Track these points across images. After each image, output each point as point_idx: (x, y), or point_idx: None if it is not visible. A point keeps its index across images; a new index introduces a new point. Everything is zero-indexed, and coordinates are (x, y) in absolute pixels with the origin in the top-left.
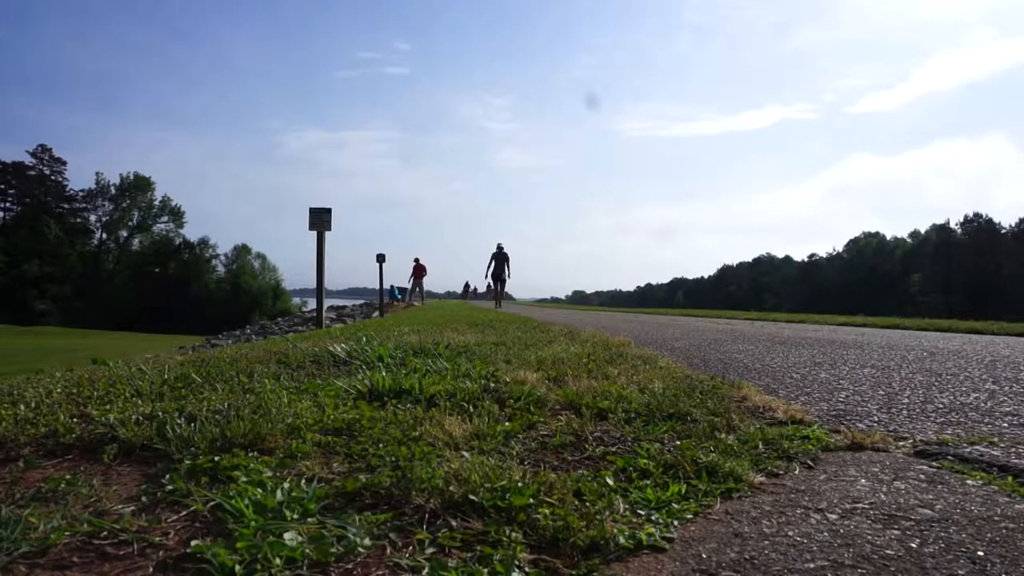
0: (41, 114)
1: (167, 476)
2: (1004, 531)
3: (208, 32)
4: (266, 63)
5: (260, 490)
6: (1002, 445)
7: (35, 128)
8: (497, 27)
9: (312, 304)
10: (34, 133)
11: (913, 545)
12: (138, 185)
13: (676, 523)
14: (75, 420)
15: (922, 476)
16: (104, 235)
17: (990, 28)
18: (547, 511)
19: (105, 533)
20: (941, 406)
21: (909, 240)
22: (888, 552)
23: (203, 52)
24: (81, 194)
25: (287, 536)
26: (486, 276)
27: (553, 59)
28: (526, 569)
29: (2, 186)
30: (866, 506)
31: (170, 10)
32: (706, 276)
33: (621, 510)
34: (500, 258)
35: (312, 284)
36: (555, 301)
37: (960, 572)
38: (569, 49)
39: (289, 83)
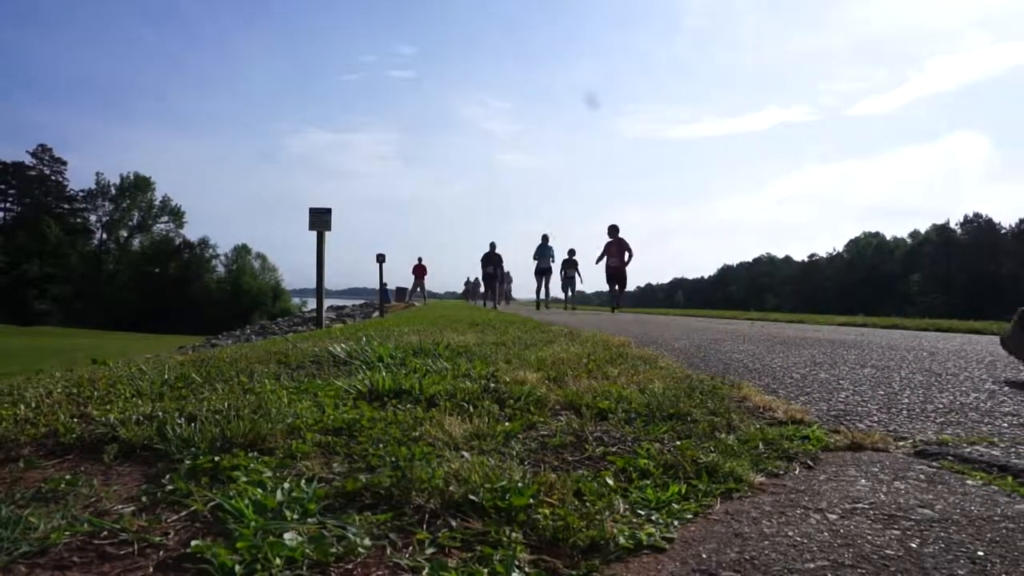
0: (41, 114)
1: (167, 476)
2: (1004, 531)
3: (213, 34)
4: (271, 65)
5: (260, 490)
6: (1002, 445)
7: (35, 128)
8: (500, 31)
9: (312, 304)
10: (34, 133)
11: (913, 545)
12: (138, 185)
13: (676, 523)
14: (75, 420)
15: (922, 476)
16: (104, 235)
17: (985, 33)
18: (547, 511)
19: (105, 533)
20: (941, 406)
21: (909, 240)
22: (888, 552)
23: (207, 53)
24: (81, 194)
25: (287, 536)
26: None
27: (555, 62)
28: (526, 569)
29: (2, 186)
30: (866, 506)
31: (175, 11)
32: (706, 276)
33: (621, 510)
34: (493, 262)
35: (312, 284)
36: (555, 301)
37: (960, 572)
38: (571, 53)
39: (294, 85)
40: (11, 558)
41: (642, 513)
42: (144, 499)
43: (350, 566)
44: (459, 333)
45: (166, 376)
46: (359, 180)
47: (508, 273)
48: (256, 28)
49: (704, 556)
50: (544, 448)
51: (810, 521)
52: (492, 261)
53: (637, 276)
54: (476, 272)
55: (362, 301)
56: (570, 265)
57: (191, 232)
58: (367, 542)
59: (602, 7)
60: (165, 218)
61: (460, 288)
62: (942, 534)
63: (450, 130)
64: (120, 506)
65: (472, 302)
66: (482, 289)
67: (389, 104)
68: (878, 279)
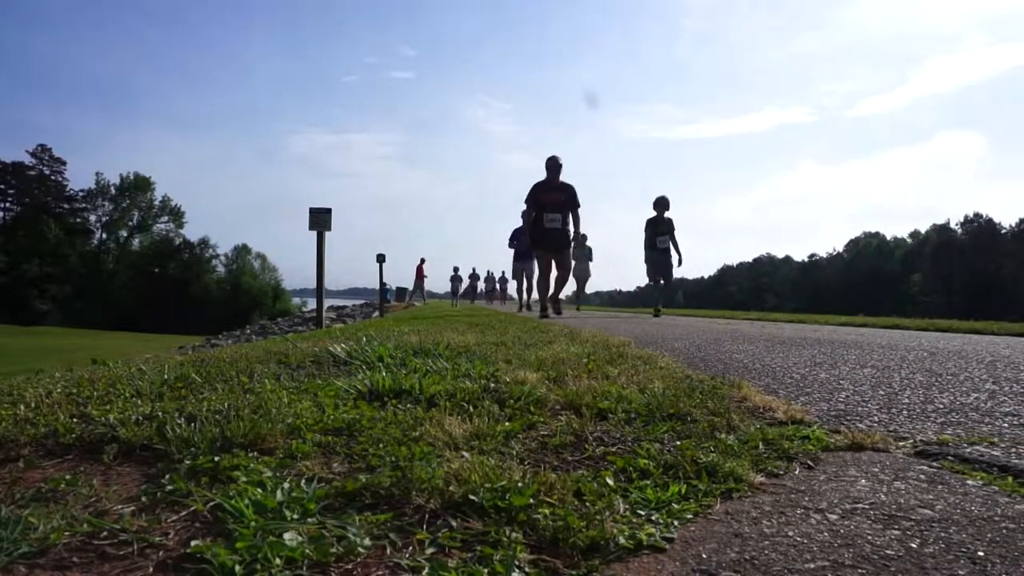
0: (41, 114)
1: (167, 476)
2: (1004, 531)
3: (214, 34)
4: (272, 66)
5: (260, 490)
6: (1002, 445)
7: (35, 128)
8: (502, 33)
9: (312, 304)
10: (34, 133)
11: (913, 545)
12: (138, 185)
13: (676, 523)
14: (75, 420)
15: (922, 476)
16: (104, 235)
17: (984, 34)
18: (547, 511)
19: (105, 533)
20: (941, 406)
21: (909, 240)
22: (888, 552)
23: (208, 53)
24: (81, 194)
25: (287, 536)
26: (514, 243)
27: (555, 64)
28: (526, 569)
29: (2, 186)
30: (866, 506)
31: (176, 12)
32: (706, 276)
33: (621, 510)
34: (556, 202)
35: (312, 284)
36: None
37: (960, 572)
38: (571, 55)
39: (295, 85)
40: (11, 558)
41: (642, 513)
42: (144, 499)
43: (350, 566)
44: (459, 333)
45: (166, 376)
46: (359, 180)
47: (587, 244)
48: (257, 29)
49: (704, 556)
50: (544, 448)
51: (810, 521)
52: (557, 202)
53: (637, 276)
54: (470, 264)
55: (362, 301)
56: (661, 228)
57: (191, 232)
58: (367, 542)
59: (602, 9)
60: (165, 218)
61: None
62: (942, 534)
63: (451, 131)
64: (120, 506)
65: (458, 302)
66: (508, 283)
67: (390, 105)
68: (878, 279)
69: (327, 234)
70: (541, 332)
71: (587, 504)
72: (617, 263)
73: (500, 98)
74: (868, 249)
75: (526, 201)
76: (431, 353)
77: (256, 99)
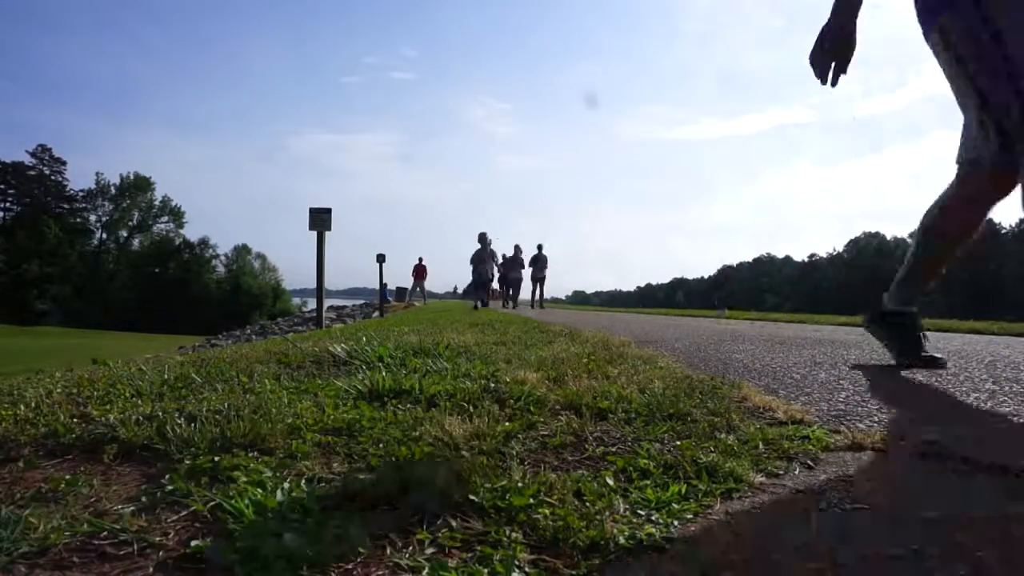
0: (41, 114)
1: (167, 476)
2: (1004, 531)
3: (214, 34)
4: (272, 66)
5: (260, 490)
6: (1002, 445)
7: (35, 128)
8: (502, 33)
9: (312, 304)
10: (34, 133)
11: (914, 546)
12: (138, 185)
13: (676, 523)
14: (75, 420)
15: (923, 476)
16: (104, 235)
17: None
18: (547, 511)
19: (105, 533)
20: (941, 406)
21: (909, 240)
22: (889, 552)
23: (208, 53)
24: (81, 194)
25: (287, 536)
26: None
27: (556, 65)
28: (526, 569)
29: (2, 186)
30: (866, 506)
31: (176, 11)
32: (706, 276)
33: (621, 510)
34: None
35: (312, 284)
36: (555, 301)
37: (960, 572)
38: (571, 55)
39: (295, 86)
40: (11, 558)
41: (642, 513)
42: (144, 499)
43: (350, 566)
44: (459, 333)
45: (166, 376)
46: (359, 180)
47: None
48: (257, 29)
49: (704, 556)
50: (544, 448)
51: (810, 521)
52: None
53: (637, 276)
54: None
55: (362, 301)
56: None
57: (191, 232)
58: (367, 542)
59: (602, 10)
60: (165, 218)
61: (461, 287)
62: (942, 534)
63: (451, 131)
64: (120, 506)
65: (472, 303)
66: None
67: (390, 105)
68: (878, 279)
69: (327, 234)
70: (541, 332)
71: (587, 504)
72: (618, 262)
73: (500, 98)
74: (868, 249)
75: None
76: (431, 353)
77: (256, 99)
